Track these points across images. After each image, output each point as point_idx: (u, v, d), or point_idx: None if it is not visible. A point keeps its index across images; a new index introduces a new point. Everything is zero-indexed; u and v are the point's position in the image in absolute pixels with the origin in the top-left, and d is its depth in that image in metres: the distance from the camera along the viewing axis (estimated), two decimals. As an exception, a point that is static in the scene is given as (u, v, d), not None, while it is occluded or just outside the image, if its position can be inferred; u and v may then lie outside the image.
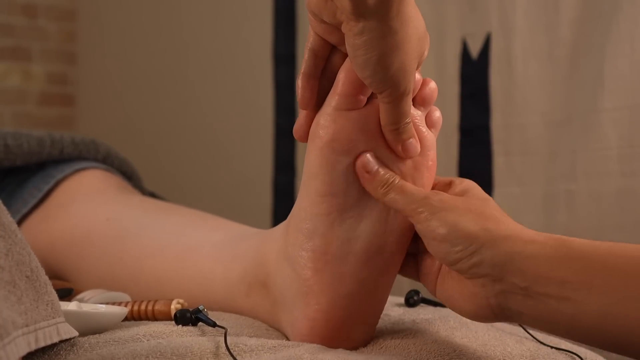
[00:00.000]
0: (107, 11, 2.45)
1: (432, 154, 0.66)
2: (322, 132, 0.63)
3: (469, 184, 0.65)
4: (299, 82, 0.64)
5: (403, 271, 0.69)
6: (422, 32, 0.62)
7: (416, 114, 0.65)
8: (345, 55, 0.62)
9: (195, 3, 2.15)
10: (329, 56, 0.64)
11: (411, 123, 0.63)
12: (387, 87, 0.60)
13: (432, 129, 0.66)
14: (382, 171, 0.63)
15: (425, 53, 0.64)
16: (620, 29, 1.18)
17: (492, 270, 0.57)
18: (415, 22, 0.60)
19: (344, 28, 0.58)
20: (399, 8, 0.57)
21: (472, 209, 0.60)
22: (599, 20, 1.22)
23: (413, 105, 0.65)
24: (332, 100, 0.63)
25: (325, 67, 0.64)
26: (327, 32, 0.62)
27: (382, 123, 0.63)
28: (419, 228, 0.61)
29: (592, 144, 1.22)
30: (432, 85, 0.66)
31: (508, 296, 0.57)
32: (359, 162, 0.63)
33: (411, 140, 0.63)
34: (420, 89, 0.65)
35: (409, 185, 0.62)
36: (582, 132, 1.24)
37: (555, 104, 1.29)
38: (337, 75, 0.63)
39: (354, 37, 0.57)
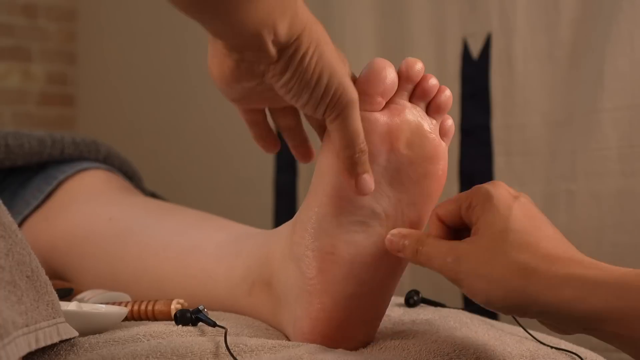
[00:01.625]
0: (107, 11, 2.45)
1: (442, 164, 0.66)
2: None
3: (484, 210, 0.60)
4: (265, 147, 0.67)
5: None
6: (331, 46, 0.61)
7: (430, 123, 0.65)
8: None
9: (195, 3, 2.14)
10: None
11: (367, 154, 0.62)
12: (326, 102, 0.59)
13: (444, 138, 0.67)
14: (406, 242, 0.63)
15: (346, 61, 0.63)
16: (620, 29, 1.18)
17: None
18: (320, 27, 0.59)
19: (267, 78, 0.58)
20: (309, 33, 0.57)
21: (482, 271, 0.57)
22: (599, 20, 1.21)
23: (427, 113, 0.66)
24: None
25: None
26: (252, 101, 0.63)
27: (336, 149, 0.62)
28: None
29: (593, 144, 1.22)
30: (447, 93, 0.66)
31: None
32: (387, 244, 0.64)
33: (365, 175, 0.62)
34: (435, 96, 0.66)
35: (428, 249, 0.62)
36: (582, 132, 1.24)
37: (556, 104, 1.29)
38: (358, 77, 0.63)
39: (279, 77, 0.58)
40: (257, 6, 0.52)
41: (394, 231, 0.64)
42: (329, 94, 0.59)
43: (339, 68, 0.59)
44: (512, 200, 0.60)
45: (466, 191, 0.63)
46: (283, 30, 0.55)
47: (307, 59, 0.57)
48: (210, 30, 0.56)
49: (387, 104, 0.64)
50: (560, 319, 0.55)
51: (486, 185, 0.62)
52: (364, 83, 0.63)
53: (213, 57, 0.60)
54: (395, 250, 0.63)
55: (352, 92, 0.60)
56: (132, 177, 1.15)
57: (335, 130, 0.61)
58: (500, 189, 0.61)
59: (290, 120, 0.67)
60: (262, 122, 0.66)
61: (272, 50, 0.56)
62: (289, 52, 0.56)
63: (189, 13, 0.52)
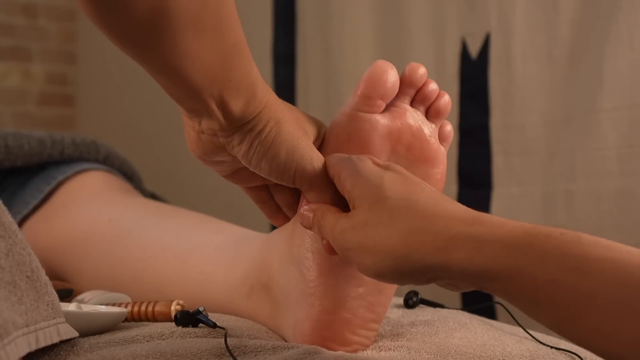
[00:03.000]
0: (107, 11, 2.45)
1: (441, 167, 0.67)
2: (338, 131, 0.64)
3: (354, 183, 0.59)
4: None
5: None
6: (300, 115, 0.64)
7: (430, 127, 0.66)
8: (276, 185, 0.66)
9: (195, 3, 2.14)
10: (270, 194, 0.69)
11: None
12: (291, 175, 0.62)
13: (443, 143, 0.67)
14: (311, 217, 0.62)
15: (313, 132, 0.65)
16: (620, 29, 1.18)
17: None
18: (282, 108, 0.62)
19: (229, 150, 0.61)
20: (268, 111, 0.60)
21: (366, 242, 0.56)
22: (598, 20, 1.22)
23: (427, 118, 0.66)
24: (352, 101, 0.64)
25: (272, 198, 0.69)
26: (242, 180, 0.66)
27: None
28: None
29: (591, 144, 1.22)
30: (447, 98, 0.67)
31: None
32: (300, 220, 0.63)
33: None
34: (434, 101, 0.66)
35: (325, 224, 0.60)
36: (581, 132, 1.24)
37: (555, 104, 1.29)
38: (360, 79, 0.64)
39: (238, 148, 0.60)
40: (194, 68, 0.55)
41: (305, 206, 0.63)
42: (292, 167, 0.61)
43: (299, 142, 0.61)
44: (381, 170, 0.58)
45: (333, 159, 0.62)
46: (236, 107, 0.58)
47: (265, 134, 0.60)
48: (158, 80, 0.58)
49: (389, 106, 0.65)
50: (453, 280, 0.53)
51: (353, 158, 0.60)
52: (366, 85, 0.63)
53: (185, 131, 0.64)
54: (306, 225, 0.63)
55: (316, 161, 0.62)
56: (131, 177, 1.15)
57: (312, 200, 0.63)
58: (367, 162, 0.60)
59: (263, 195, 0.69)
60: (268, 201, 0.69)
61: (223, 121, 0.58)
62: (247, 127, 0.59)
63: (122, 45, 0.55)
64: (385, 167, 0.59)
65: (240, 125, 0.59)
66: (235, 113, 0.58)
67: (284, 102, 0.63)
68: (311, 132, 0.64)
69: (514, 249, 0.50)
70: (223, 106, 0.57)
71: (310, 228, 0.62)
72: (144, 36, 0.52)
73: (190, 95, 0.57)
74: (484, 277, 0.51)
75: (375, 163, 0.60)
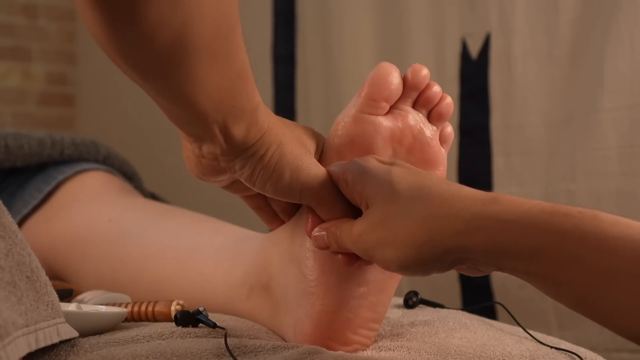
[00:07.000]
0: (107, 11, 2.45)
1: (442, 169, 0.67)
2: (341, 132, 0.65)
3: (364, 184, 0.59)
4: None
5: None
6: (300, 132, 0.65)
7: (431, 130, 0.66)
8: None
9: (195, 3, 2.14)
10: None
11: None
12: (297, 195, 0.62)
13: (443, 145, 0.68)
14: (325, 236, 0.62)
15: (313, 146, 0.65)
16: (620, 29, 1.18)
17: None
18: (283, 130, 0.62)
19: (231, 173, 0.61)
20: (269, 136, 0.60)
21: (390, 238, 0.56)
22: (599, 20, 1.22)
23: (428, 120, 0.66)
24: (356, 102, 0.64)
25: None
26: (240, 190, 0.67)
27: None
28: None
29: (592, 144, 1.22)
30: (449, 100, 0.67)
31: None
32: (314, 242, 0.63)
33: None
34: (437, 104, 0.66)
35: (342, 235, 0.61)
36: (581, 132, 1.24)
37: (555, 104, 1.29)
38: (365, 81, 0.65)
39: (240, 172, 0.61)
40: (203, 95, 0.54)
41: (316, 228, 0.63)
42: (297, 187, 0.61)
43: (303, 161, 0.61)
44: (388, 167, 0.59)
45: (336, 167, 0.62)
46: (239, 133, 0.58)
47: (267, 158, 0.60)
48: (163, 105, 0.57)
49: (391, 108, 0.65)
50: (475, 262, 0.53)
51: (357, 161, 0.61)
52: (370, 87, 0.64)
53: (184, 153, 0.64)
54: (322, 246, 0.63)
55: (323, 177, 0.62)
56: (131, 177, 1.15)
57: (323, 215, 0.63)
58: (372, 161, 0.60)
59: (259, 202, 0.70)
60: (264, 207, 0.70)
61: (225, 146, 0.58)
62: (249, 152, 0.59)
63: (133, 72, 0.53)
64: (391, 163, 0.60)
65: (242, 150, 0.59)
66: (237, 138, 0.58)
67: (283, 120, 0.63)
68: (312, 148, 0.65)
69: (534, 229, 0.50)
70: (225, 131, 0.58)
71: (326, 248, 0.62)
72: (161, 66, 0.52)
73: (195, 121, 0.57)
74: (505, 257, 0.51)
75: (379, 161, 0.60)
